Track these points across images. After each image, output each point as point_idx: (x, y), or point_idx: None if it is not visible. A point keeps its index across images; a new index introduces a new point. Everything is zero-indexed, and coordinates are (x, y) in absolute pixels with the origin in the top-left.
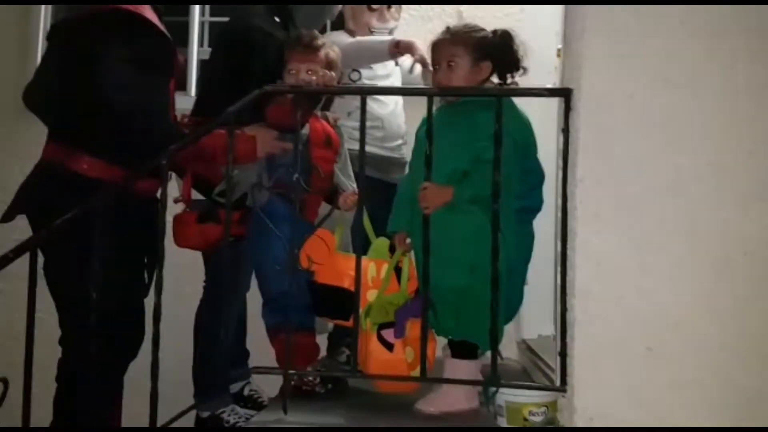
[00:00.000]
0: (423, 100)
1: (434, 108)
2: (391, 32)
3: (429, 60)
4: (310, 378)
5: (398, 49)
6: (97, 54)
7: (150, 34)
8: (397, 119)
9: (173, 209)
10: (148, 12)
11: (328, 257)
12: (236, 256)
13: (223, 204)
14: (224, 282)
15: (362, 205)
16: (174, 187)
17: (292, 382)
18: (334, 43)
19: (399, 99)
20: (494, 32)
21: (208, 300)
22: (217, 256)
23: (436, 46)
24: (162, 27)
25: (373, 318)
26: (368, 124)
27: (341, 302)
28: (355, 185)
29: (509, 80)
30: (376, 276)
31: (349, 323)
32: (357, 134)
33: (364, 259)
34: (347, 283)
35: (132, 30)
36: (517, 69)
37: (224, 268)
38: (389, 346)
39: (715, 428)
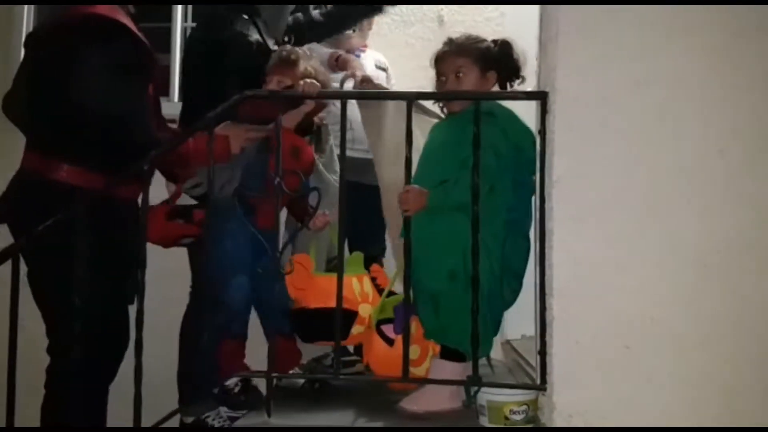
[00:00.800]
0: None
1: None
2: (354, 30)
3: (435, 70)
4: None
5: (337, 62)
6: (73, 61)
7: (126, 39)
8: None
9: None
10: (122, 17)
11: (309, 281)
12: None
13: (197, 203)
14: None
15: (343, 217)
16: (163, 191)
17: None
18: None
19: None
20: (494, 42)
21: (193, 304)
22: (200, 259)
23: (441, 59)
24: (138, 31)
25: (376, 315)
26: (337, 127)
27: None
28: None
29: (509, 88)
30: (361, 290)
31: (348, 342)
32: None
33: (346, 277)
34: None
35: (108, 36)
36: (518, 77)
37: (207, 272)
38: (390, 341)
39: (694, 428)
